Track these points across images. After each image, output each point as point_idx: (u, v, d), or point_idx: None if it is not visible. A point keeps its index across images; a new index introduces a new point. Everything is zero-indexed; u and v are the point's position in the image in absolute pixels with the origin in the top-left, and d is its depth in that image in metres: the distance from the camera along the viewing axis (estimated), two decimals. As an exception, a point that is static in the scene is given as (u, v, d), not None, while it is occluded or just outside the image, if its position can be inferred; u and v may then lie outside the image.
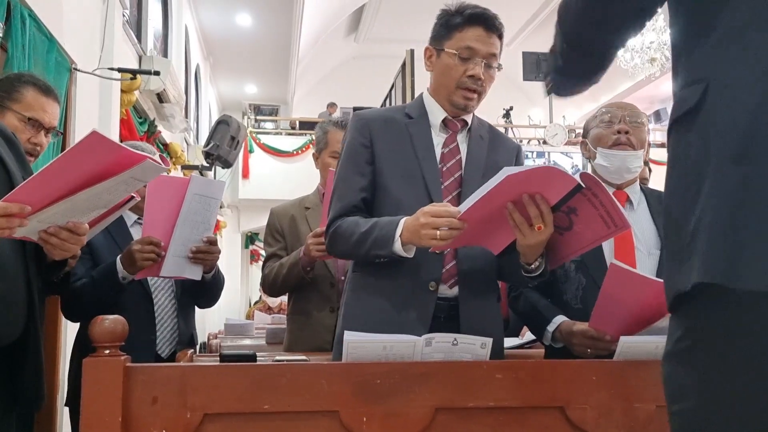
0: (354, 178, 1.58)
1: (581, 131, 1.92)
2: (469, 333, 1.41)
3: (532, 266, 1.46)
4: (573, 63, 1.07)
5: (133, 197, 1.67)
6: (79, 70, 3.63)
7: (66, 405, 2.16)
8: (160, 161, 1.39)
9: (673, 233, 0.83)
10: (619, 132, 1.72)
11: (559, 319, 1.64)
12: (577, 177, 1.30)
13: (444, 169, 1.58)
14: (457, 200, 1.54)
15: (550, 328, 1.64)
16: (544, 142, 11.82)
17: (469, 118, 1.65)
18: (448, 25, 1.59)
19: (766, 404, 0.73)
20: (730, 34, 0.78)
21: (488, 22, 1.57)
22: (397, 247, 1.43)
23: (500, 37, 1.59)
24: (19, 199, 1.27)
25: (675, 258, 0.82)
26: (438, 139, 1.61)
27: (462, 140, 1.63)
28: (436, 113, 1.63)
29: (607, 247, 1.67)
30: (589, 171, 1.85)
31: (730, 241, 0.74)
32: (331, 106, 12.61)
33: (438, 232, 1.35)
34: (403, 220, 1.44)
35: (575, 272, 1.70)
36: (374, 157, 1.58)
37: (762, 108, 0.73)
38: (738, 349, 0.74)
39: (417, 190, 1.54)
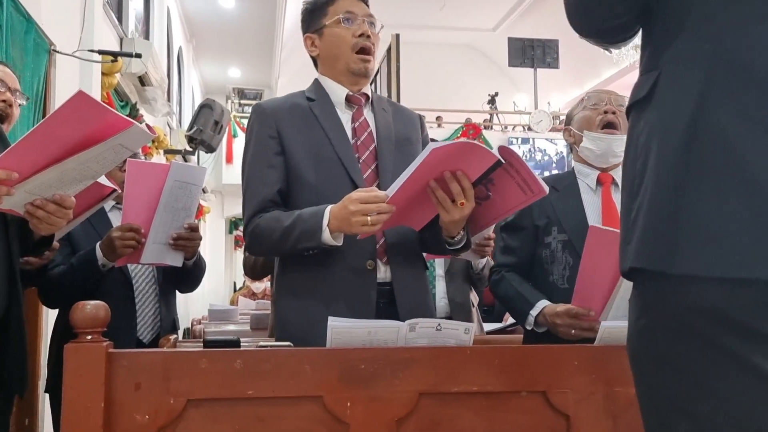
0: (265, 172, 1.52)
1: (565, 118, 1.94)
2: (407, 313, 1.43)
3: (455, 239, 1.47)
4: (603, 42, 1.04)
5: (114, 190, 1.67)
6: (58, 52, 3.56)
7: (46, 391, 2.14)
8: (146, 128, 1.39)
9: (623, 216, 0.87)
10: (606, 112, 1.74)
11: (543, 303, 1.65)
12: (496, 152, 1.32)
13: (358, 143, 1.56)
14: (376, 173, 1.54)
15: (534, 312, 1.65)
16: (529, 129, 11.85)
17: (368, 92, 1.64)
18: (317, 6, 1.61)
19: (720, 375, 0.75)
20: (680, 25, 0.81)
21: None
22: (326, 236, 1.40)
23: (366, 4, 1.62)
24: (5, 165, 1.25)
25: (623, 240, 0.86)
26: (345, 116, 1.59)
27: (368, 113, 1.62)
28: (337, 91, 1.60)
29: None
30: (573, 157, 1.87)
31: (664, 227, 0.77)
32: None
33: (369, 218, 1.34)
34: (328, 210, 1.41)
35: (562, 252, 1.71)
36: (283, 147, 1.53)
37: (706, 98, 0.76)
38: (686, 324, 0.77)
39: (334, 171, 1.51)
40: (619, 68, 11.87)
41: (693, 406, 0.77)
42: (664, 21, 0.84)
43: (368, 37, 1.56)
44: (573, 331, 1.55)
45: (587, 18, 0.94)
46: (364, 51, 1.56)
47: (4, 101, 1.69)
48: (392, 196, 1.34)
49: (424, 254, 1.66)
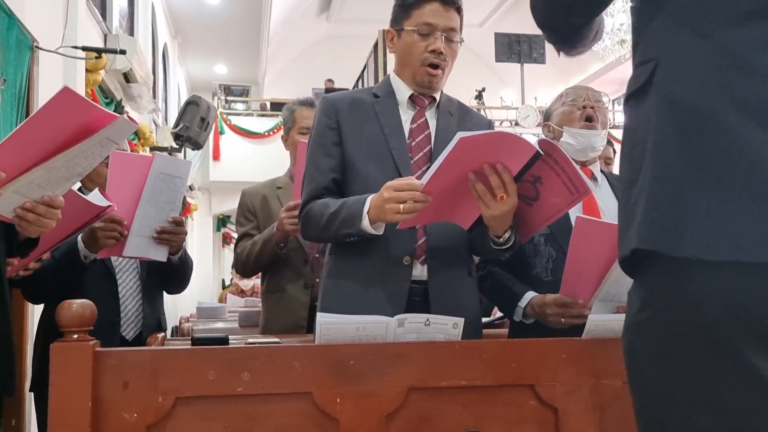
0: (323, 160, 1.58)
1: (552, 113, 1.96)
2: (440, 313, 1.41)
3: (501, 239, 1.46)
4: (559, 39, 1.09)
5: (110, 206, 1.66)
6: (41, 49, 3.53)
7: (31, 390, 2.13)
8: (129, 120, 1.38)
9: (622, 204, 0.87)
10: (585, 107, 1.78)
11: (530, 294, 1.67)
12: (535, 144, 1.31)
13: (413, 144, 1.59)
14: None
15: (522, 303, 1.66)
16: (516, 124, 11.89)
17: (437, 95, 1.65)
18: (405, 4, 1.60)
19: (722, 379, 0.75)
20: (681, 18, 0.82)
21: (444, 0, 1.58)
22: (365, 224, 1.43)
23: (458, 10, 1.61)
24: None
25: (621, 228, 0.86)
26: (406, 115, 1.62)
27: (431, 116, 1.64)
28: (403, 91, 1.63)
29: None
30: None
31: (668, 209, 0.77)
32: (329, 81, 12.43)
33: (401, 206, 1.35)
34: (369, 198, 1.44)
35: (544, 245, 1.73)
36: (341, 138, 1.58)
37: (705, 88, 0.77)
38: (690, 319, 0.77)
39: (386, 166, 1.54)
40: (605, 63, 11.93)
41: (690, 413, 0.76)
42: (663, 13, 0.85)
43: (440, 53, 1.56)
44: (563, 319, 1.56)
45: (546, 11, 0.97)
46: (433, 66, 1.58)
47: None
48: (426, 185, 1.34)
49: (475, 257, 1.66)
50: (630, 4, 0.93)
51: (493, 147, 1.31)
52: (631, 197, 0.83)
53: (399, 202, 1.36)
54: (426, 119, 1.62)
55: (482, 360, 1.29)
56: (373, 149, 1.56)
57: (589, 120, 1.77)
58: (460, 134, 1.26)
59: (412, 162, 1.56)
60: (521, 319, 1.69)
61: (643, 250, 0.80)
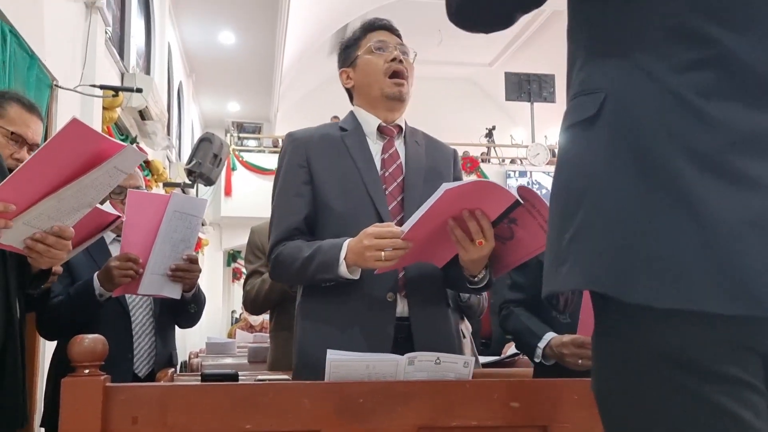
0: (293, 200, 1.54)
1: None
2: (423, 348, 1.40)
3: (477, 278, 1.47)
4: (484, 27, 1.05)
5: (119, 217, 1.67)
6: (60, 87, 3.61)
7: (41, 425, 2.12)
8: (137, 150, 1.39)
9: (552, 235, 0.85)
10: None
11: (549, 335, 1.66)
12: (515, 192, 1.32)
13: (386, 174, 1.57)
14: (401, 205, 1.54)
15: (541, 344, 1.66)
16: (527, 162, 11.93)
17: (402, 124, 1.65)
18: (350, 43, 1.65)
19: (690, 424, 0.74)
20: (631, 57, 0.81)
21: (387, 26, 1.63)
22: (342, 270, 1.41)
23: (400, 37, 1.65)
24: (2, 198, 1.25)
25: (552, 261, 0.84)
26: (376, 146, 1.60)
27: (399, 145, 1.62)
28: (370, 122, 1.61)
29: None
30: None
31: (617, 252, 0.76)
32: (335, 117, 12.61)
33: (383, 254, 1.34)
34: (346, 243, 1.42)
35: None
36: (312, 176, 1.55)
37: (657, 131, 0.76)
38: (647, 366, 0.77)
39: (360, 201, 1.51)
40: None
41: None
42: (610, 48, 0.84)
43: (400, 61, 1.58)
44: (580, 360, 1.55)
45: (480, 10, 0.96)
46: (397, 75, 1.58)
47: (17, 159, 1.67)
48: (407, 232, 1.34)
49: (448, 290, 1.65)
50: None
51: (475, 194, 1.32)
52: (565, 230, 0.82)
53: (380, 250, 1.35)
54: (396, 148, 1.61)
55: (493, 400, 1.28)
56: (346, 184, 1.53)
57: None
58: (445, 186, 1.27)
59: (387, 193, 1.54)
60: (541, 360, 1.67)
61: (594, 293, 0.79)
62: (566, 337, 1.60)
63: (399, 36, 1.64)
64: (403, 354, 1.33)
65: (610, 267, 0.76)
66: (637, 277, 0.74)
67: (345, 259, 1.40)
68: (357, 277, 1.43)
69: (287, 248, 1.50)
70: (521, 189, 1.33)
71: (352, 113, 1.66)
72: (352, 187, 1.53)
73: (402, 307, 1.50)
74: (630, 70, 0.81)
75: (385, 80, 1.57)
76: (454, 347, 1.58)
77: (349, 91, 1.69)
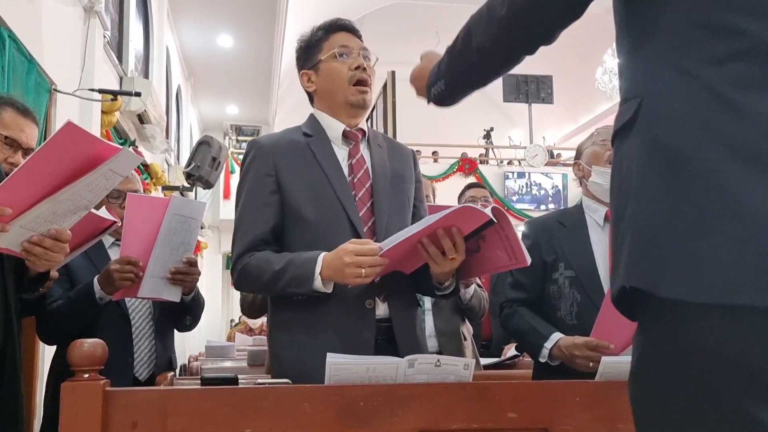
0: (260, 210, 1.52)
1: (560, 152, 1.97)
2: (405, 350, 1.42)
3: (444, 285, 1.50)
4: (476, 70, 1.11)
5: (115, 222, 1.67)
6: (59, 91, 3.61)
7: (41, 431, 2.11)
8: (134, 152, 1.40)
9: (613, 241, 0.87)
10: None
11: (557, 335, 1.65)
12: (489, 212, 1.33)
13: (355, 180, 1.56)
14: (371, 211, 1.54)
15: (548, 345, 1.65)
16: (525, 163, 11.93)
17: (365, 127, 1.64)
18: (312, 43, 1.63)
19: (717, 427, 0.73)
20: (665, 56, 0.82)
21: (347, 27, 1.62)
22: (317, 284, 1.40)
23: (360, 38, 1.64)
24: None
25: (614, 263, 0.86)
26: (342, 152, 1.59)
27: (364, 149, 1.62)
28: (334, 127, 1.60)
29: (602, 263, 1.70)
30: (582, 192, 1.88)
31: (651, 248, 0.77)
32: None
33: (363, 271, 1.36)
34: (321, 258, 1.41)
35: (569, 288, 1.72)
36: (280, 184, 1.52)
37: (691, 127, 0.77)
38: (683, 368, 0.75)
39: (332, 209, 1.50)
40: (612, 103, 12.02)
41: None
42: (646, 50, 0.85)
43: (364, 69, 1.57)
44: (591, 363, 1.54)
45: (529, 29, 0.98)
46: (361, 83, 1.57)
47: (12, 164, 1.67)
48: (386, 251, 1.36)
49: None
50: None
51: (454, 217, 1.35)
52: (619, 235, 0.83)
53: (360, 267, 1.36)
54: (362, 153, 1.60)
55: (494, 402, 1.27)
56: (316, 191, 1.52)
57: None
58: (430, 218, 1.32)
59: (356, 199, 1.53)
60: (547, 360, 1.67)
61: (632, 289, 0.79)
62: (578, 339, 1.59)
63: (360, 37, 1.64)
64: (385, 356, 1.34)
65: (648, 263, 0.77)
66: (673, 272, 0.74)
67: (320, 274, 1.40)
68: (330, 290, 1.43)
69: (255, 259, 1.48)
70: (495, 210, 1.35)
71: (313, 117, 1.65)
72: (322, 194, 1.52)
73: (381, 310, 1.51)
74: (664, 70, 0.81)
75: (349, 88, 1.57)
76: (424, 350, 1.60)
77: (309, 95, 1.67)
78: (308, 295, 1.43)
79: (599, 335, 1.54)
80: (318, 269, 1.40)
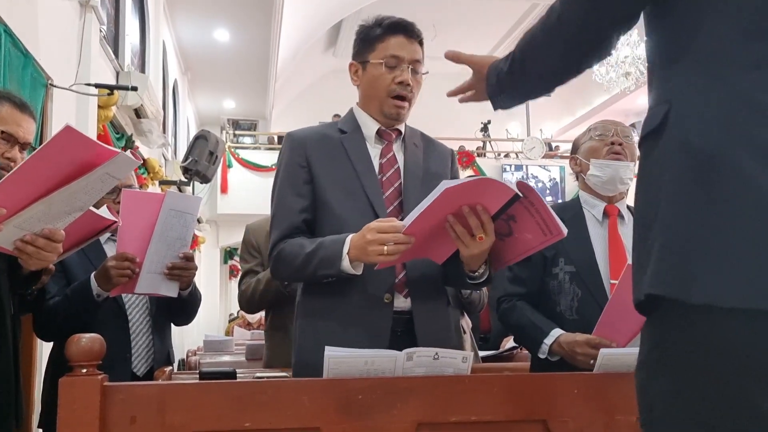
0: (294, 200, 1.55)
1: (558, 145, 1.96)
2: (425, 344, 1.41)
3: (476, 273, 1.47)
4: (538, 87, 1.11)
5: (115, 222, 1.67)
6: (55, 86, 3.59)
7: (39, 426, 2.11)
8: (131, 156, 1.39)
9: (637, 245, 0.87)
10: (613, 143, 1.76)
11: (557, 332, 1.65)
12: (513, 186, 1.32)
13: (384, 179, 1.58)
14: (399, 210, 1.55)
15: (548, 341, 1.64)
16: (523, 156, 11.92)
17: (402, 127, 1.65)
18: (369, 38, 1.61)
19: (733, 423, 0.73)
20: (696, 61, 0.82)
21: (408, 30, 1.60)
22: (345, 265, 1.41)
23: (420, 43, 1.62)
24: None
25: (636, 270, 0.85)
26: (374, 150, 1.61)
27: (398, 149, 1.63)
28: (369, 125, 1.62)
29: (602, 259, 1.70)
30: (579, 186, 1.87)
31: (681, 254, 0.76)
32: (336, 116, 12.61)
33: (385, 248, 1.35)
34: (349, 238, 1.43)
35: (570, 284, 1.71)
36: (313, 176, 1.56)
37: (721, 131, 0.77)
38: (702, 365, 0.75)
39: (360, 204, 1.53)
40: (609, 95, 12.02)
41: None
42: (677, 56, 0.85)
43: (407, 85, 1.57)
44: (592, 361, 1.54)
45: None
46: (400, 98, 1.58)
47: (9, 159, 1.65)
48: (408, 227, 1.35)
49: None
50: (642, 38, 0.93)
51: (475, 191, 1.33)
52: (647, 239, 0.82)
53: (382, 244, 1.35)
54: (394, 153, 1.62)
55: (493, 394, 1.28)
56: (346, 187, 1.55)
57: (617, 155, 1.75)
58: (444, 183, 1.28)
59: (384, 197, 1.56)
60: (546, 356, 1.66)
61: (656, 295, 0.79)
62: (580, 336, 1.59)
63: (420, 41, 1.62)
64: (403, 348, 1.34)
65: (675, 269, 0.76)
66: (701, 277, 0.74)
67: (348, 253, 1.41)
68: (359, 272, 1.44)
69: (288, 245, 1.51)
70: (520, 184, 1.33)
71: (352, 113, 1.67)
72: (351, 190, 1.54)
73: (403, 303, 1.51)
74: (696, 76, 0.81)
75: (387, 99, 1.58)
76: (453, 343, 1.59)
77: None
78: (338, 276, 1.44)
79: (602, 333, 1.54)
80: (345, 249, 1.42)
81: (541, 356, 1.68)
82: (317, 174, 1.56)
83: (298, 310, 1.58)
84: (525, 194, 1.34)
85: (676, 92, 0.83)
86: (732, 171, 0.75)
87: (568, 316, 1.69)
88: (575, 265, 1.70)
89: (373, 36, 1.60)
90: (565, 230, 1.38)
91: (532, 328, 1.70)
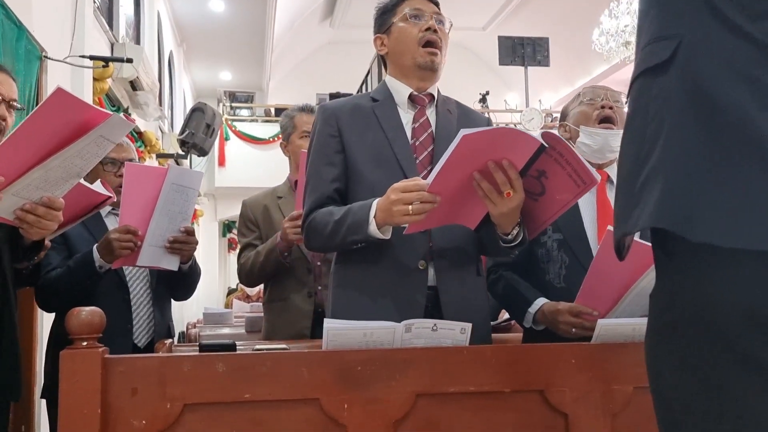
0: (325, 169, 1.56)
1: (558, 115, 1.94)
2: (452, 317, 1.41)
3: (510, 236, 1.45)
4: None
5: (109, 197, 1.66)
6: (49, 58, 3.55)
7: (42, 397, 2.14)
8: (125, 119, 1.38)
9: (625, 181, 0.84)
10: (603, 107, 1.74)
11: (541, 300, 1.65)
12: (539, 137, 1.29)
13: (417, 143, 1.58)
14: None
15: (532, 309, 1.65)
16: (522, 127, 11.87)
17: (435, 92, 1.64)
18: (387, 9, 1.64)
19: (745, 390, 0.72)
20: (707, 3, 0.79)
21: None
22: (372, 229, 1.41)
23: (437, 5, 1.64)
24: None
25: (623, 205, 0.83)
26: (407, 116, 1.61)
27: (431, 114, 1.63)
28: (402, 91, 1.62)
29: (590, 226, 1.69)
30: None
31: (687, 191, 0.75)
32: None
33: (410, 207, 1.34)
34: (375, 202, 1.42)
35: (558, 251, 1.71)
36: (344, 146, 1.56)
37: (730, 78, 0.75)
38: (709, 323, 0.74)
39: (391, 171, 1.52)
40: (609, 65, 11.90)
41: (710, 424, 0.73)
42: None
43: (435, 31, 1.57)
44: (573, 329, 1.55)
45: None
46: (431, 44, 1.57)
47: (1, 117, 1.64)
48: (431, 184, 1.32)
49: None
50: None
51: (497, 143, 1.29)
52: (639, 174, 0.80)
53: (407, 204, 1.34)
54: (427, 117, 1.61)
55: (491, 365, 1.29)
56: (377, 155, 1.55)
57: (607, 120, 1.73)
58: (463, 131, 1.25)
59: (417, 162, 1.55)
60: (531, 325, 1.67)
61: (658, 238, 0.77)
62: (562, 305, 1.59)
63: (437, 3, 1.63)
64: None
65: (677, 205, 0.75)
66: (703, 216, 0.73)
67: (374, 217, 1.41)
68: (388, 236, 1.43)
69: (319, 214, 1.53)
70: (546, 135, 1.31)
71: (384, 83, 1.67)
72: (383, 157, 1.54)
73: (430, 276, 1.51)
74: (706, 16, 0.79)
75: (418, 49, 1.57)
76: (484, 315, 1.59)
77: (383, 59, 1.69)
78: (366, 242, 1.44)
79: (584, 301, 1.54)
80: (372, 213, 1.41)
81: (526, 325, 1.68)
82: (348, 143, 1.56)
83: (333, 279, 1.60)
84: (552, 145, 1.30)
85: (687, 29, 0.80)
86: (738, 117, 0.73)
87: (556, 284, 1.69)
88: (563, 232, 1.69)
89: (392, 5, 1.63)
90: (598, 177, 1.36)
91: (517, 297, 1.70)
